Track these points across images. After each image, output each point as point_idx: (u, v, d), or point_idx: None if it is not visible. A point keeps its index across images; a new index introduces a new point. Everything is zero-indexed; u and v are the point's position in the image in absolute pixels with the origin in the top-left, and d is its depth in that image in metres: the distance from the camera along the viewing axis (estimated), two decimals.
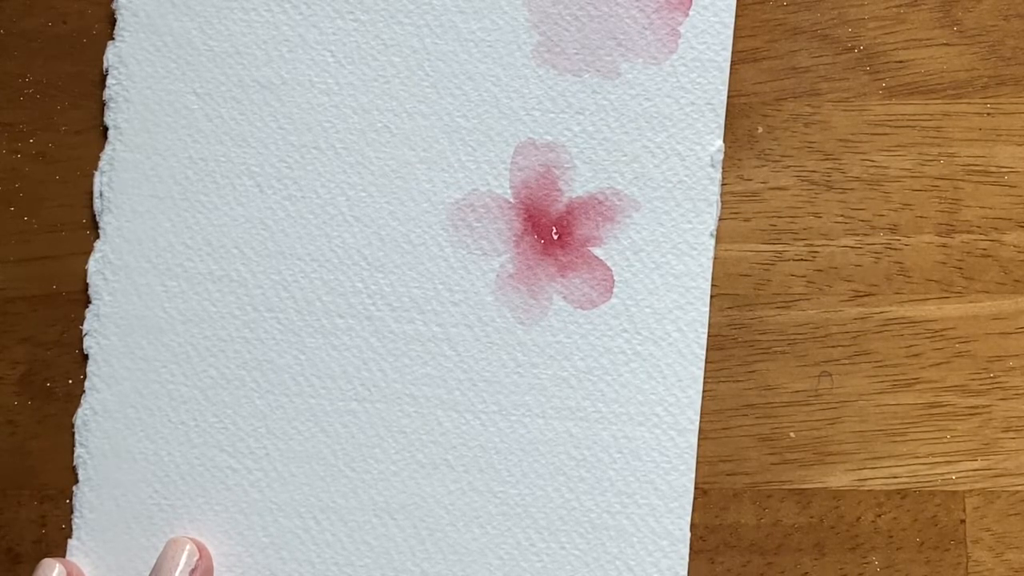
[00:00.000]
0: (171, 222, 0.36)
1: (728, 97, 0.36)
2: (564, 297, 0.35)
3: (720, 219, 0.36)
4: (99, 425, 0.36)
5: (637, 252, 0.35)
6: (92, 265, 0.36)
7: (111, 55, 0.37)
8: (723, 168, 0.36)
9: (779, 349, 0.35)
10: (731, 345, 0.35)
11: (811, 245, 0.36)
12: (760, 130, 0.36)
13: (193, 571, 0.34)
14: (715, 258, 0.35)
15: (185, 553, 0.34)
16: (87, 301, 0.36)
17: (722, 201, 0.36)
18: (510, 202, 0.36)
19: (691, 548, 0.34)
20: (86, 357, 0.36)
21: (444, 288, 0.35)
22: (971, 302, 0.35)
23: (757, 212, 0.36)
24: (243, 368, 0.36)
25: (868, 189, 0.36)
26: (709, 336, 0.35)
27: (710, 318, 0.35)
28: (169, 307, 0.36)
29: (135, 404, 0.36)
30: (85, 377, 0.36)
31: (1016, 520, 0.35)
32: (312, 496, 0.35)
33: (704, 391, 0.35)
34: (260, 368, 0.35)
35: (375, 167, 0.36)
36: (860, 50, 0.36)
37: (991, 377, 0.35)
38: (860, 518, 0.35)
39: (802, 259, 0.36)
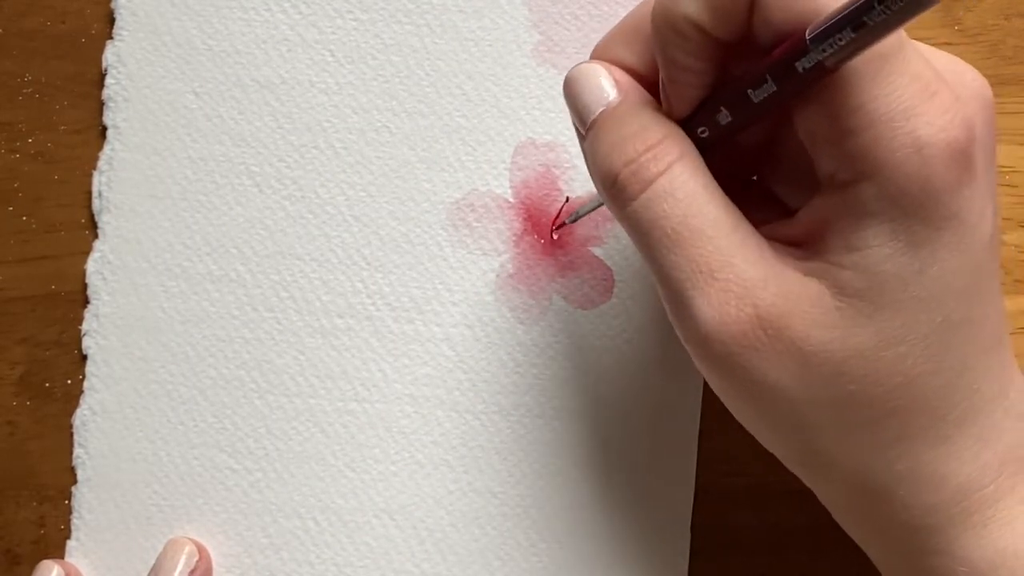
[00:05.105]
0: (170, 222, 0.36)
1: None
2: (564, 297, 0.35)
3: None
4: (98, 425, 0.35)
5: (637, 252, 0.35)
6: (91, 265, 0.36)
7: (110, 54, 0.36)
8: None
9: None
10: None
11: None
12: None
13: (192, 571, 0.34)
14: None
15: (184, 553, 0.34)
16: (86, 301, 0.36)
17: None
18: (510, 202, 0.35)
19: (691, 548, 0.34)
20: (85, 357, 0.36)
21: (444, 288, 0.35)
22: None
23: None
24: (242, 368, 0.35)
25: None
26: None
27: None
28: (168, 307, 0.36)
29: (134, 404, 0.36)
30: (84, 377, 0.36)
31: None
32: (312, 496, 0.35)
33: (704, 391, 0.35)
34: (259, 368, 0.35)
35: (375, 167, 0.36)
36: None
37: None
38: None
39: None
